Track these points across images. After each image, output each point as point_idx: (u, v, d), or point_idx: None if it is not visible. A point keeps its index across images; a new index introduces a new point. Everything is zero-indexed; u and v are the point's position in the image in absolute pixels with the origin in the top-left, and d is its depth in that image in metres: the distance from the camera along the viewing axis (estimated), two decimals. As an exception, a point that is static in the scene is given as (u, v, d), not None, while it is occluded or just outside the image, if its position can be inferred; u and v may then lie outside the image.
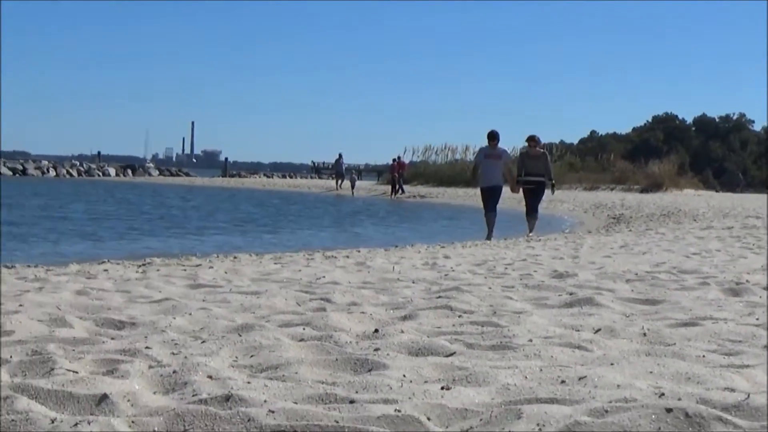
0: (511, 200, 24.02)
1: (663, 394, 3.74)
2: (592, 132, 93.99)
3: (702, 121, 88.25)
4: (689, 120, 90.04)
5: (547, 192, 21.15)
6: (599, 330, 5.46)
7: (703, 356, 4.65)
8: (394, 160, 54.61)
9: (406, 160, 60.01)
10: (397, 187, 51.94)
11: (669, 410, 3.38)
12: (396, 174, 52.47)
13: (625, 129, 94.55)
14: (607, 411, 3.46)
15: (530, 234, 19.99)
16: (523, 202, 21.24)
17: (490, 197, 20.06)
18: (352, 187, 56.90)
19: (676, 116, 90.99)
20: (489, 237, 19.27)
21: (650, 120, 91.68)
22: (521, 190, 20.73)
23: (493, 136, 20.15)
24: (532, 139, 21.02)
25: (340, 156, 61.81)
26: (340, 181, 59.39)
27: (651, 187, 48.54)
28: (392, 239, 19.57)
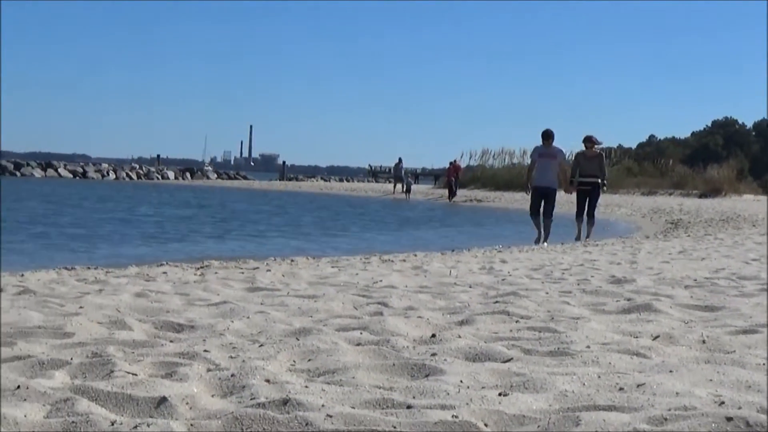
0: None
1: (723, 403, 3.71)
2: (651, 136, 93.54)
3: (762, 126, 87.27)
4: (749, 125, 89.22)
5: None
6: (658, 337, 5.42)
7: (764, 364, 4.59)
8: (450, 163, 54.49)
9: (463, 164, 59.93)
10: (452, 190, 51.75)
11: (729, 419, 3.35)
12: (452, 177, 52.30)
13: (684, 133, 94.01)
14: (666, 419, 3.43)
15: (587, 239, 19.45)
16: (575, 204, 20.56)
17: (541, 199, 19.39)
18: (408, 191, 56.54)
19: (736, 120, 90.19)
20: (538, 241, 18.81)
21: (710, 124, 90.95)
22: (576, 192, 20.11)
23: (547, 135, 19.61)
24: (588, 140, 20.35)
25: (400, 160, 61.56)
26: (399, 186, 59.18)
27: (710, 192, 48.11)
28: (448, 243, 19.54)
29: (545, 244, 18.06)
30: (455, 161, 54.86)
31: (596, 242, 18.12)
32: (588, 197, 20.18)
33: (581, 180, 20.05)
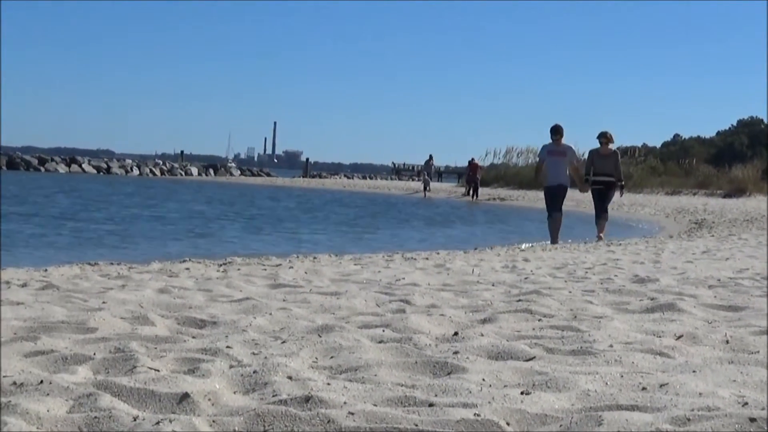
0: (570, 202, 22.72)
1: (746, 403, 3.69)
2: (676, 135, 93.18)
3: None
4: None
5: (617, 195, 19.96)
6: (681, 336, 5.40)
7: (788, 365, 4.57)
8: (469, 162, 54.28)
9: (487, 162, 59.77)
10: (471, 188, 51.88)
11: (753, 420, 3.34)
12: (474, 176, 52.07)
13: (709, 133, 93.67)
14: (689, 419, 3.42)
15: (601, 235, 18.89)
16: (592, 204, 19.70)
17: (555, 197, 18.67)
18: (425, 188, 56.48)
19: (762, 120, 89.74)
20: (554, 241, 18.26)
21: (735, 123, 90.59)
22: (592, 191, 19.30)
23: (556, 131, 18.69)
24: (603, 136, 19.34)
25: (431, 157, 61.09)
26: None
27: (734, 192, 47.86)
28: (472, 240, 19.54)
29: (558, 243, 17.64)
30: (473, 160, 54.38)
31: (619, 242, 18.03)
32: (603, 196, 19.35)
33: (595, 179, 19.27)
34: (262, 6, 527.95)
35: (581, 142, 40.46)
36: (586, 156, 22.58)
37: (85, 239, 17.44)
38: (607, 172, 19.20)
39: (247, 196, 44.51)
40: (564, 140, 18.80)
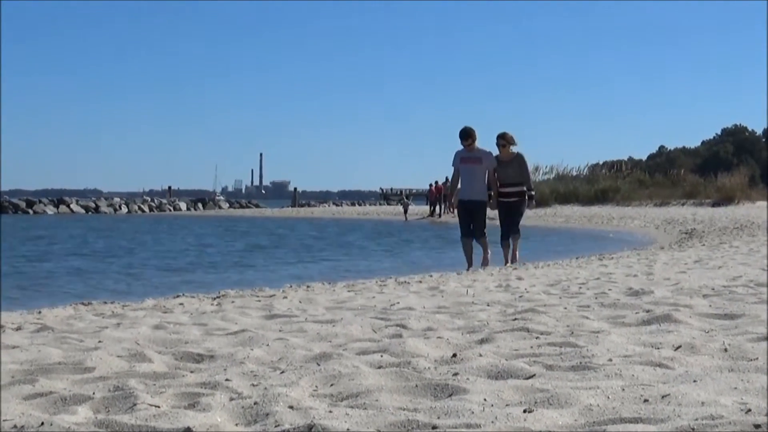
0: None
1: (749, 410, 3.69)
2: (661, 147, 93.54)
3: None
4: (759, 131, 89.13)
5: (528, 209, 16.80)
6: (679, 347, 5.40)
7: (787, 370, 4.58)
8: (430, 185, 59.20)
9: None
10: (433, 209, 57.17)
11: (757, 426, 3.34)
12: (434, 198, 57.28)
13: (694, 143, 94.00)
14: (693, 429, 3.42)
15: (513, 261, 15.88)
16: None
17: (468, 216, 15.77)
18: (405, 212, 59.39)
19: (746, 128, 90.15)
20: (469, 265, 15.56)
21: (719, 132, 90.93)
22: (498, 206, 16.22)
23: (466, 134, 15.58)
24: (501, 138, 15.99)
25: (436, 183, 61.27)
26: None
27: (722, 201, 48.07)
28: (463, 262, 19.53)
29: (482, 268, 14.96)
30: (436, 183, 57.83)
31: (611, 255, 17.98)
32: (508, 212, 16.24)
33: (500, 191, 16.09)
34: (246, 36, 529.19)
35: (569, 159, 40.60)
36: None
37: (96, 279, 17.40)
38: (512, 182, 16.07)
39: (259, 227, 44.48)
40: (509, 148, 15.87)
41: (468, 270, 14.84)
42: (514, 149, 16.09)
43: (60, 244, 30.52)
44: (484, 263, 15.62)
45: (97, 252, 26.17)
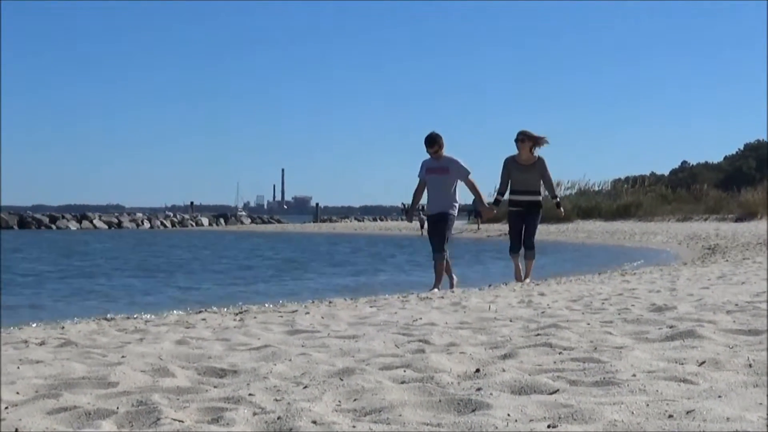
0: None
1: (775, 426, 3.67)
2: (683, 162, 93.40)
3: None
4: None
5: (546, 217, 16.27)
6: (704, 362, 5.38)
7: (813, 386, 4.55)
8: None
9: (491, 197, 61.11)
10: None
11: (782, 442, 3.32)
12: None
13: (716, 158, 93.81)
14: (718, 445, 3.40)
15: (527, 281, 14.69)
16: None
17: (435, 230, 14.38)
18: (422, 227, 57.23)
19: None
20: (435, 286, 14.20)
21: (742, 147, 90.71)
22: (508, 215, 14.90)
23: (431, 141, 14.17)
24: (523, 135, 14.49)
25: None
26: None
27: (745, 216, 47.85)
28: (486, 278, 19.49)
29: (453, 290, 13.78)
30: None
31: (634, 271, 17.93)
32: (524, 222, 14.73)
33: (513, 198, 14.65)
34: (269, 54, 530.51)
35: (592, 174, 40.55)
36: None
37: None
38: (530, 189, 14.55)
39: (255, 246, 44.50)
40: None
41: (437, 289, 13.96)
42: (536, 152, 14.59)
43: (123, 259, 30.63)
44: (452, 286, 14.43)
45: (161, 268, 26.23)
